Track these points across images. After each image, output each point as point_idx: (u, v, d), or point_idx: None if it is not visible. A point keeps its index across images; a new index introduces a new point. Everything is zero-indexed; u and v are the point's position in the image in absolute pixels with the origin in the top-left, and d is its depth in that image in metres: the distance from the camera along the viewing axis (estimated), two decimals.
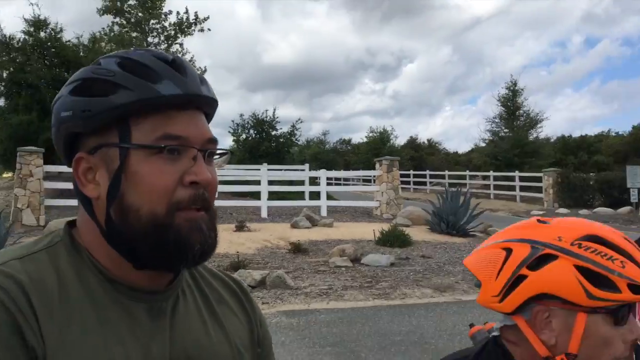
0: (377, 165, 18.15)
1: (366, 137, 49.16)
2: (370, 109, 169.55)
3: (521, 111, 33.99)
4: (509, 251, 1.00)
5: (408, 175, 35.46)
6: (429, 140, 50.74)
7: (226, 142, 29.47)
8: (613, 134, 45.61)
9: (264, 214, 15.69)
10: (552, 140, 38.00)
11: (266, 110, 29.07)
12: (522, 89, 34.22)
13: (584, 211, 20.80)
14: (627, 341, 0.97)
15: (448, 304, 7.24)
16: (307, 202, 16.83)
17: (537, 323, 0.98)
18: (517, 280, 0.97)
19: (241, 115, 29.19)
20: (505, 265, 0.99)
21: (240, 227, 12.66)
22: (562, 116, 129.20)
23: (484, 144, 35.60)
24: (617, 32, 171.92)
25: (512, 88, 34.02)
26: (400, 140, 51.47)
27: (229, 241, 11.12)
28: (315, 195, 17.87)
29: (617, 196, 22.08)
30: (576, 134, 47.77)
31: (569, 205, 22.68)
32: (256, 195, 16.91)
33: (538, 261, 0.96)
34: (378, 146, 43.50)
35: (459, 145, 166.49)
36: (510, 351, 1.05)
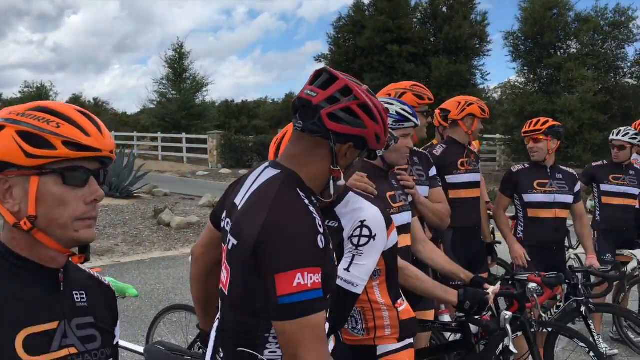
0: None
1: (20, 92, 43.51)
2: (26, 62, 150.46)
3: (188, 74, 34.66)
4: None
5: None
6: (95, 99, 48.02)
7: None
8: (270, 100, 50.31)
9: None
10: (217, 104, 40.06)
11: None
12: (188, 52, 34.85)
13: (243, 171, 22.63)
14: (88, 202, 1.08)
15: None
16: None
17: (0, 194, 1.04)
18: None
19: None
20: None
21: None
22: (228, 82, 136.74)
23: (152, 106, 35.23)
24: (275, 7, 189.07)
25: (178, 50, 34.34)
26: (62, 97, 47.21)
27: None
28: None
29: None
30: (240, 99, 51.34)
31: (231, 165, 24.38)
32: None
33: None
34: None
35: (129, 106, 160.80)
36: (8, 246, 1.08)
